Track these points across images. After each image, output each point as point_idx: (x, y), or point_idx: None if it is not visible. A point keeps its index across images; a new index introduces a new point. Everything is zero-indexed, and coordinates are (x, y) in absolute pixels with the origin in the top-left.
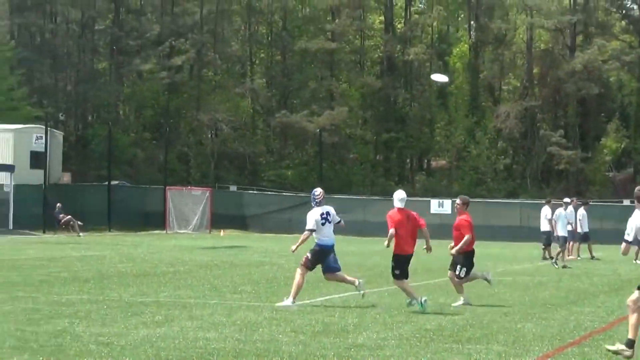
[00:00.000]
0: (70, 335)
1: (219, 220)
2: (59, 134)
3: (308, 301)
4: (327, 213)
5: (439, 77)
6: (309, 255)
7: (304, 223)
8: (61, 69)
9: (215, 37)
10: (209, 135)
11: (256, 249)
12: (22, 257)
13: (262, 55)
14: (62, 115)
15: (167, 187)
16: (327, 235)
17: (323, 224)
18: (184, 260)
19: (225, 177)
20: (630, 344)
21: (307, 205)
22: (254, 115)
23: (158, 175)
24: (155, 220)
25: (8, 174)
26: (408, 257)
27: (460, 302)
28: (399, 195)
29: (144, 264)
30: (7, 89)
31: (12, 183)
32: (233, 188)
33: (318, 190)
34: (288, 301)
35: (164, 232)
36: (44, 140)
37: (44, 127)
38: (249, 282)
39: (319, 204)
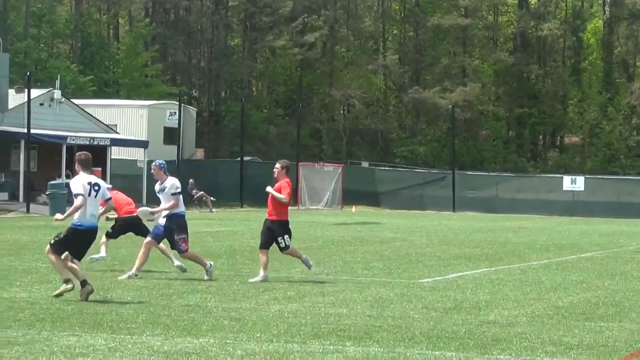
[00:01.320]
0: (202, 310)
1: (350, 196)
2: (193, 110)
3: (439, 278)
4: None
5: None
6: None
7: (436, 199)
8: (195, 45)
9: (348, 13)
10: (341, 112)
11: (388, 225)
12: None
13: (395, 31)
14: (195, 92)
15: (299, 163)
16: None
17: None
18: (315, 236)
19: (357, 153)
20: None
21: (438, 182)
22: (386, 91)
23: (290, 151)
24: None
25: (142, 149)
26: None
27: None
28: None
29: None
30: (141, 66)
31: (146, 159)
32: (365, 164)
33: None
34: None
35: (296, 207)
36: (177, 116)
37: (177, 103)
38: (380, 258)
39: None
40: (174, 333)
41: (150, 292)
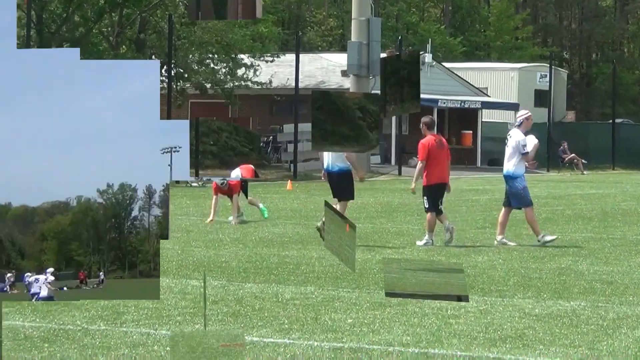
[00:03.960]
0: (574, 273)
1: None
2: (563, 72)
3: None
4: None
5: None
6: None
7: None
8: (566, 7)
9: None
10: None
11: None
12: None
13: None
14: (566, 54)
15: None
16: None
17: None
18: None
19: None
20: None
21: None
22: None
23: None
24: None
25: (512, 112)
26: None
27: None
28: None
29: None
30: (512, 28)
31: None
32: None
33: None
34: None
35: None
36: (548, 79)
37: (548, 65)
38: None
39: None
40: (545, 296)
41: (522, 254)
